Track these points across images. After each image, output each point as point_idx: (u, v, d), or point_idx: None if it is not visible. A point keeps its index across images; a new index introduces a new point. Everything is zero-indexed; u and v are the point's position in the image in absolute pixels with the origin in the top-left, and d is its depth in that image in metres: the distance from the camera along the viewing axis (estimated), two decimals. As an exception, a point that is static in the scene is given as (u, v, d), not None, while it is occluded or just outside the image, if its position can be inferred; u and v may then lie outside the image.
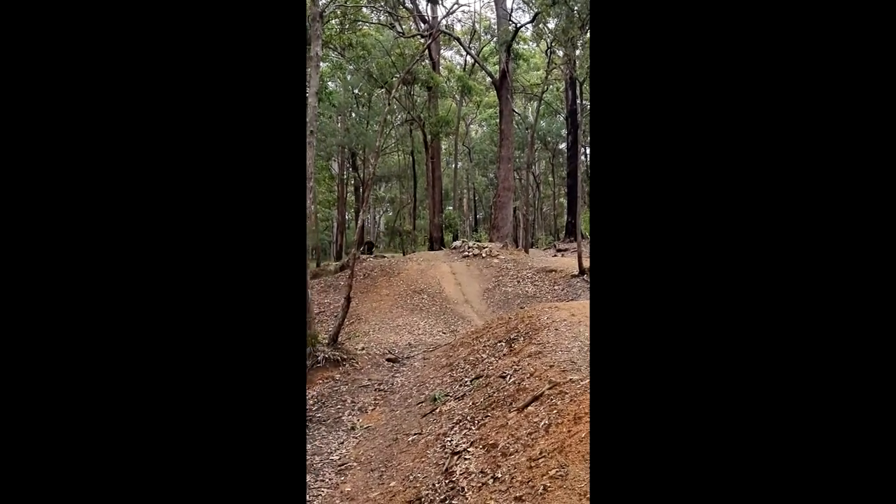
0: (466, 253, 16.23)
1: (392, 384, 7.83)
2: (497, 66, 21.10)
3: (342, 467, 5.54)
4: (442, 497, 4.13)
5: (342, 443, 6.20)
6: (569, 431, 3.87)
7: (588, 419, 3.78)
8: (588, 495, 3.07)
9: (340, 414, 7.05)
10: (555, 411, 4.28)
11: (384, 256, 19.38)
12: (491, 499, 3.70)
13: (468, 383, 6.43)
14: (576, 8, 14.11)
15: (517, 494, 3.53)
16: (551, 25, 19.68)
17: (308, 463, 5.77)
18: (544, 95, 25.02)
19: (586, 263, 12.68)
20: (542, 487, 3.41)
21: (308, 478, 5.43)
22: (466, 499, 3.92)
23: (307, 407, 7.27)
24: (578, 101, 17.86)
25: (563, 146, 30.24)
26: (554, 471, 3.50)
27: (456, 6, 31.34)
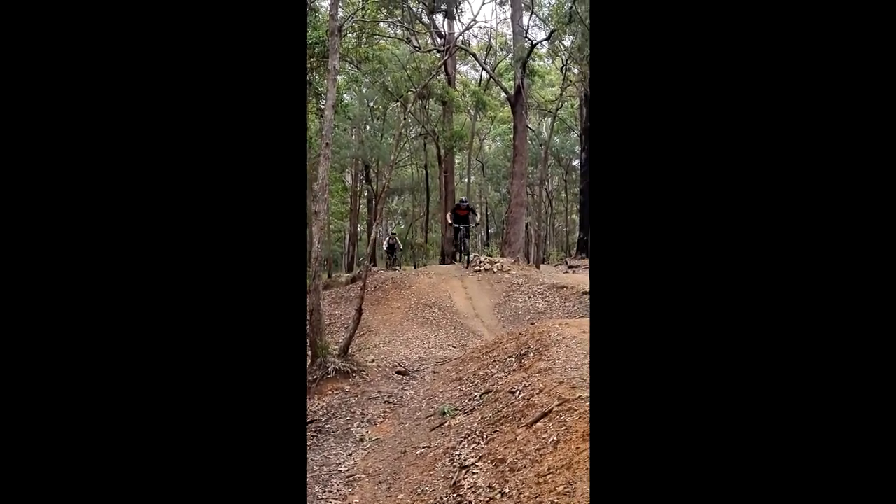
0: (478, 268, 16.21)
1: (401, 397, 7.84)
2: (512, 82, 21.20)
3: (350, 479, 5.56)
4: (449, 511, 4.14)
5: (351, 454, 6.22)
6: (577, 448, 3.87)
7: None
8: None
9: (349, 425, 7.07)
10: (563, 428, 4.29)
11: (395, 269, 19.43)
12: (498, 514, 3.71)
13: (477, 398, 6.44)
14: (591, 26, 14.17)
15: (525, 510, 3.54)
16: (567, 43, 19.83)
17: (317, 474, 5.79)
18: (559, 112, 25.12)
19: (598, 280, 12.59)
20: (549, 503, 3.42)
21: (316, 488, 5.45)
22: (474, 513, 3.93)
23: (317, 418, 7.30)
24: (592, 118, 17.85)
25: (576, 162, 30.30)
26: (562, 487, 3.51)
27: (473, 22, 31.62)
